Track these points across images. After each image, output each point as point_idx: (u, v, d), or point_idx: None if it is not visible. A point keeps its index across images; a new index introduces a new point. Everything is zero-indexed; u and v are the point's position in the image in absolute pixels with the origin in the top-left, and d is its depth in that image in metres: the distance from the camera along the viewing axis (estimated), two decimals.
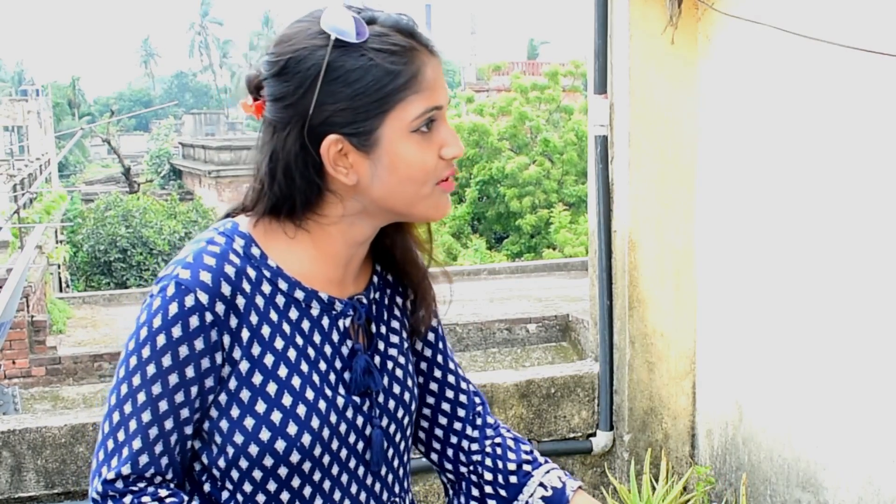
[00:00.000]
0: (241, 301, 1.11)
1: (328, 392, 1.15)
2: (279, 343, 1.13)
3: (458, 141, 1.14)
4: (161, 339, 1.07)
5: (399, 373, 1.25)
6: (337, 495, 1.18)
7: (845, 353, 2.67)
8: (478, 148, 18.36)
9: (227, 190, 26.67)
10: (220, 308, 1.09)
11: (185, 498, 1.11)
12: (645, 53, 3.23)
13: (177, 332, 1.07)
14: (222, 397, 1.11)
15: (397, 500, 1.27)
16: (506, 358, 7.67)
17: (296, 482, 1.14)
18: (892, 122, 2.45)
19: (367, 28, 1.07)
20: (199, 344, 1.08)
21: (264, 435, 1.11)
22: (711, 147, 3.26)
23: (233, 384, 1.11)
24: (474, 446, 1.34)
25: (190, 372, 1.08)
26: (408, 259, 1.26)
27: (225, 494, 1.14)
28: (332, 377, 1.17)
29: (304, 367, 1.14)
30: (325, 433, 1.14)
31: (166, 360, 1.07)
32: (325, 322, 1.17)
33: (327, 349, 1.17)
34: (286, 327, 1.14)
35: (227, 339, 1.10)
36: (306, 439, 1.12)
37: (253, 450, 1.11)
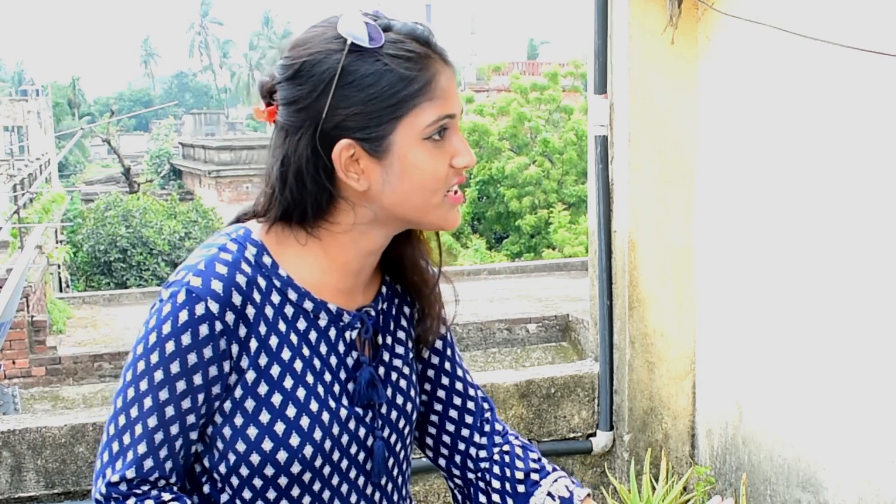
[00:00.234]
0: (250, 311, 1.11)
1: (332, 404, 1.15)
2: (286, 354, 1.13)
3: (470, 150, 1.14)
4: (170, 346, 1.07)
5: (403, 383, 1.25)
6: None
7: (845, 353, 2.67)
8: (478, 148, 18.36)
9: (227, 190, 26.68)
10: (230, 317, 1.09)
11: (188, 502, 1.11)
12: (645, 53, 3.23)
13: (186, 339, 1.07)
14: (227, 405, 1.12)
15: None
16: (506, 358, 7.68)
17: (295, 491, 1.14)
18: (892, 122, 2.45)
19: (382, 34, 1.08)
20: (207, 352, 1.08)
21: (267, 445, 1.11)
22: (711, 147, 3.26)
23: (238, 393, 1.11)
24: (482, 453, 1.34)
25: (198, 379, 1.08)
26: (416, 271, 1.26)
27: (224, 497, 1.15)
28: (337, 388, 1.17)
29: (310, 378, 1.14)
30: (328, 445, 1.14)
31: (174, 367, 1.07)
32: (332, 333, 1.17)
33: (333, 360, 1.17)
34: (294, 338, 1.14)
35: (235, 349, 1.10)
36: (308, 451, 1.13)
37: (254, 458, 1.11)
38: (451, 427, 1.35)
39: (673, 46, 3.24)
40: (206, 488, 1.16)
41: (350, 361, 1.19)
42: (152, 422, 1.08)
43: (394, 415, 1.23)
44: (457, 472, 1.35)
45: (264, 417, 1.11)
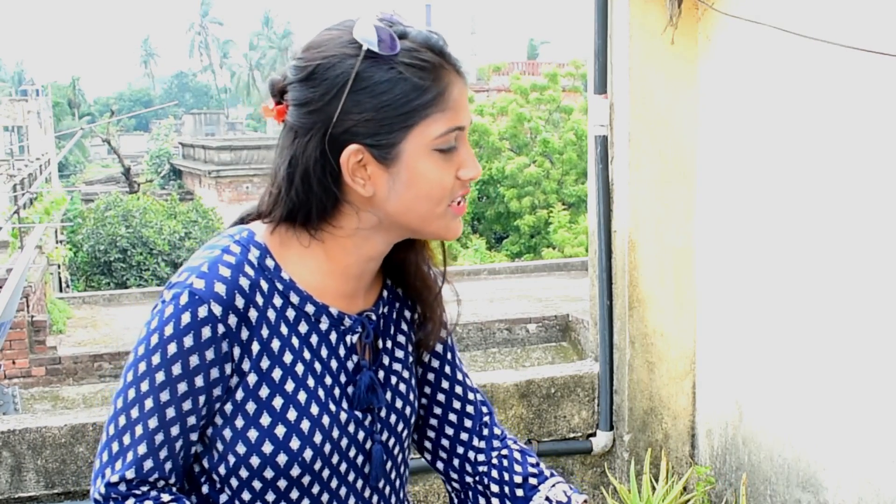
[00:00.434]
0: (253, 314, 1.11)
1: (332, 407, 1.16)
2: (287, 357, 1.13)
3: (477, 163, 1.14)
4: (172, 348, 1.07)
5: (402, 387, 1.26)
6: None
7: (845, 353, 2.67)
8: (478, 148, 18.36)
9: (227, 190, 26.67)
10: (232, 320, 1.09)
11: (187, 503, 1.11)
12: (645, 53, 3.23)
13: (188, 341, 1.07)
14: (228, 407, 1.12)
15: None
16: (506, 358, 7.68)
17: (294, 494, 1.15)
18: (892, 122, 2.45)
19: (398, 41, 1.07)
20: (209, 354, 1.08)
21: (267, 448, 1.11)
22: (711, 147, 3.26)
23: (239, 395, 1.12)
24: (481, 457, 1.34)
25: (199, 381, 1.08)
26: (419, 276, 1.26)
27: (223, 498, 1.15)
28: (337, 392, 1.17)
29: (311, 381, 1.14)
30: (327, 448, 1.15)
31: (176, 369, 1.07)
32: (333, 337, 1.17)
33: (333, 364, 1.17)
34: (295, 341, 1.14)
35: (237, 351, 1.10)
36: (308, 454, 1.13)
37: (254, 461, 1.12)
38: (450, 431, 1.35)
39: (673, 46, 3.24)
40: (204, 489, 1.16)
41: (350, 365, 1.19)
42: (153, 423, 1.08)
43: (393, 419, 1.23)
44: (455, 476, 1.35)
45: (265, 420, 1.11)
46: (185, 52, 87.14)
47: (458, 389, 1.35)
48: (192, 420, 1.10)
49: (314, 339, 1.16)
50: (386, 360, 1.24)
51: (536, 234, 18.13)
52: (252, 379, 1.11)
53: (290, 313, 1.14)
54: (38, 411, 7.08)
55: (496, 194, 18.60)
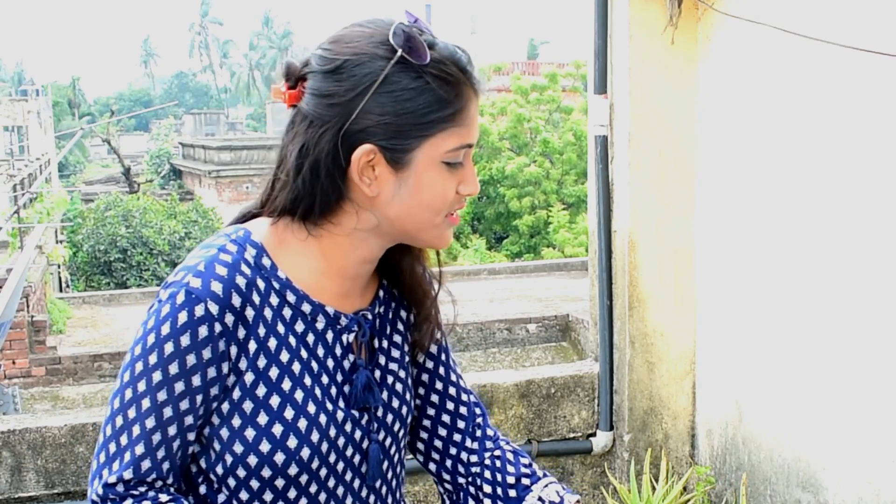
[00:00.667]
0: (250, 313, 1.11)
1: (329, 406, 1.16)
2: (284, 356, 1.13)
3: (476, 181, 1.17)
4: (169, 347, 1.07)
5: (399, 387, 1.26)
6: None
7: (845, 353, 2.67)
8: (478, 148, 18.36)
9: (227, 190, 26.67)
10: (229, 319, 1.09)
11: (185, 503, 1.11)
12: (645, 53, 3.23)
13: (185, 340, 1.07)
14: (224, 406, 1.12)
15: None
16: (506, 358, 7.68)
17: (292, 493, 1.15)
18: (892, 122, 2.45)
19: (429, 52, 1.08)
20: (206, 353, 1.08)
21: (264, 447, 1.11)
22: (711, 147, 3.26)
23: (236, 394, 1.11)
24: (473, 458, 1.34)
25: (196, 380, 1.08)
26: (414, 278, 1.27)
27: (221, 498, 1.15)
28: (334, 391, 1.17)
29: (308, 380, 1.15)
30: (324, 447, 1.15)
31: (173, 368, 1.07)
32: (330, 336, 1.18)
33: (330, 363, 1.17)
34: (292, 340, 1.14)
35: (234, 350, 1.10)
36: (305, 453, 1.13)
37: (252, 460, 1.12)
38: (443, 432, 1.35)
39: (673, 46, 3.24)
40: (202, 489, 1.16)
41: (347, 364, 1.19)
42: (150, 423, 1.08)
43: (389, 418, 1.24)
44: (447, 477, 1.35)
45: (262, 419, 1.11)
46: (185, 52, 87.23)
47: (452, 391, 1.36)
48: (189, 420, 1.10)
49: (311, 338, 1.16)
50: (382, 360, 1.25)
51: (536, 234, 18.12)
52: (249, 378, 1.11)
53: (287, 312, 1.14)
54: (38, 411, 7.08)
55: (496, 194, 18.59)
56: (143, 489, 1.09)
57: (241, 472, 1.12)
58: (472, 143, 1.14)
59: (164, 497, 1.09)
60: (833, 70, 2.65)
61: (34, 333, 8.36)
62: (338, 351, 1.18)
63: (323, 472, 1.16)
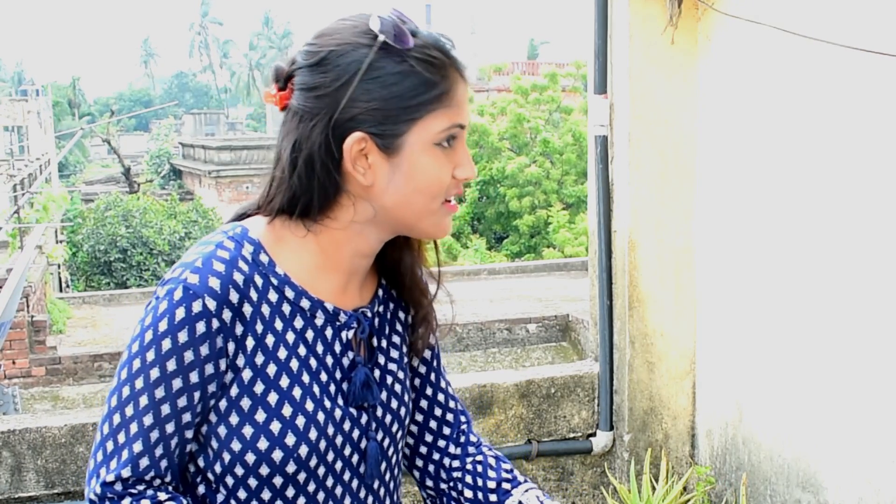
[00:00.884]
0: (247, 309, 1.10)
1: (327, 403, 1.15)
2: (282, 353, 1.13)
3: (472, 164, 1.16)
4: (166, 344, 1.07)
5: (397, 387, 1.26)
6: None
7: (845, 353, 2.67)
8: (478, 148, 18.36)
9: (227, 190, 26.67)
10: (226, 315, 1.08)
11: (184, 501, 1.11)
12: (645, 53, 3.23)
13: (183, 336, 1.07)
14: (222, 403, 1.11)
15: None
16: (506, 358, 7.68)
17: (290, 492, 1.14)
18: (892, 122, 2.45)
19: (411, 37, 1.09)
20: (204, 350, 1.08)
21: (262, 444, 1.11)
22: (711, 147, 3.26)
23: (234, 391, 1.11)
24: (455, 463, 1.35)
25: (194, 377, 1.08)
26: (413, 280, 1.27)
27: (220, 497, 1.14)
28: (332, 388, 1.17)
29: (306, 377, 1.14)
30: (322, 445, 1.14)
31: (171, 365, 1.07)
32: (329, 332, 1.17)
33: (329, 360, 1.17)
34: (290, 336, 1.14)
35: (231, 347, 1.10)
36: (303, 450, 1.12)
37: (249, 458, 1.11)
38: (429, 437, 1.36)
39: (673, 46, 3.24)
40: (200, 489, 1.15)
41: (346, 361, 1.19)
42: (148, 420, 1.07)
43: (388, 418, 1.24)
44: (430, 483, 1.36)
45: (260, 416, 1.11)
46: (185, 52, 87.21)
47: (441, 397, 1.37)
48: (187, 417, 1.09)
49: (310, 335, 1.16)
50: (381, 359, 1.24)
51: (536, 234, 18.12)
52: (247, 374, 1.11)
53: (285, 308, 1.14)
54: (38, 411, 7.08)
55: (496, 194, 18.58)
56: (141, 487, 1.08)
57: (239, 471, 1.12)
58: (464, 124, 1.14)
59: (162, 495, 1.09)
60: (833, 70, 2.65)
61: (34, 333, 8.36)
62: (337, 348, 1.18)
63: (321, 470, 1.15)
